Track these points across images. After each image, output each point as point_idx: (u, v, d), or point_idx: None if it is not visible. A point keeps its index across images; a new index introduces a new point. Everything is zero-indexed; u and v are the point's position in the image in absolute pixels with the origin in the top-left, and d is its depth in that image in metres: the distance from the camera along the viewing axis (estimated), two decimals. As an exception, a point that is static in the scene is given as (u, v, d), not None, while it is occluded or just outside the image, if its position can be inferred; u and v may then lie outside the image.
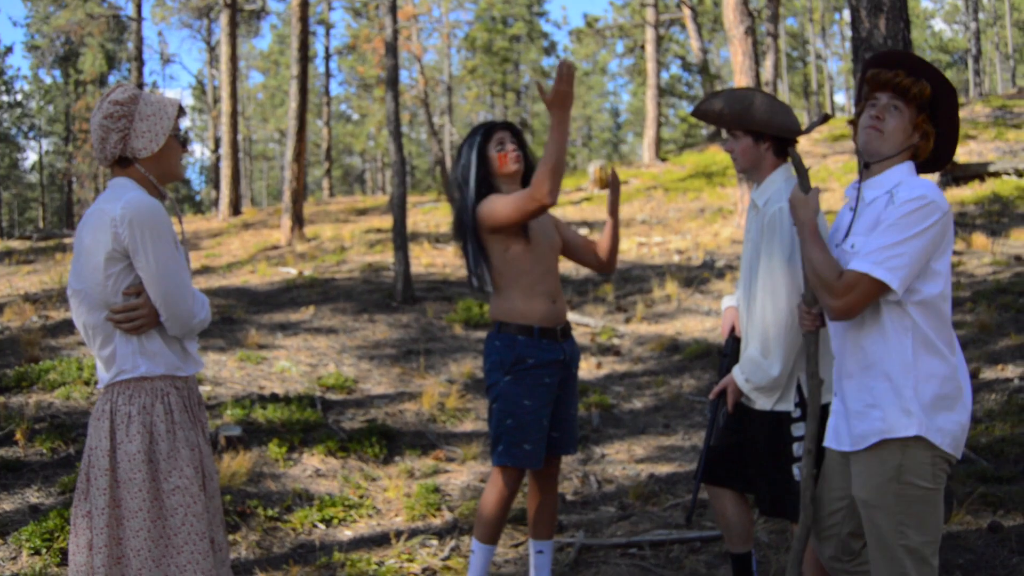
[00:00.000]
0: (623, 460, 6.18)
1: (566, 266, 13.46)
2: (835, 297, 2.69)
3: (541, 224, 3.89)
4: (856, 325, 2.78)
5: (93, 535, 2.69)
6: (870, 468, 2.72)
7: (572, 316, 10.24)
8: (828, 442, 2.92)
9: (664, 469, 5.94)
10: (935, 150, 2.85)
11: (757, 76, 15.13)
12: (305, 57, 18.06)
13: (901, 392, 2.67)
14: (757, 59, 15.32)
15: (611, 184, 3.95)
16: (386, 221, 19.50)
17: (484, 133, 3.90)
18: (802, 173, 3.03)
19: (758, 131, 3.45)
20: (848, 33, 55.15)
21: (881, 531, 2.70)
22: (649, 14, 28.43)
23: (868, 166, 2.85)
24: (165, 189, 2.91)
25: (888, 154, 2.78)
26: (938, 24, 59.58)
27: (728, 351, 3.65)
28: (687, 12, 29.24)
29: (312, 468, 5.85)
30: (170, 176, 2.88)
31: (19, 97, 57.22)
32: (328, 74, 44.09)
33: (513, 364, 3.82)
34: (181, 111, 2.86)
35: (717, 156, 25.55)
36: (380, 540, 4.81)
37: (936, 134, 2.82)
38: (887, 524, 2.68)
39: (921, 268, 2.65)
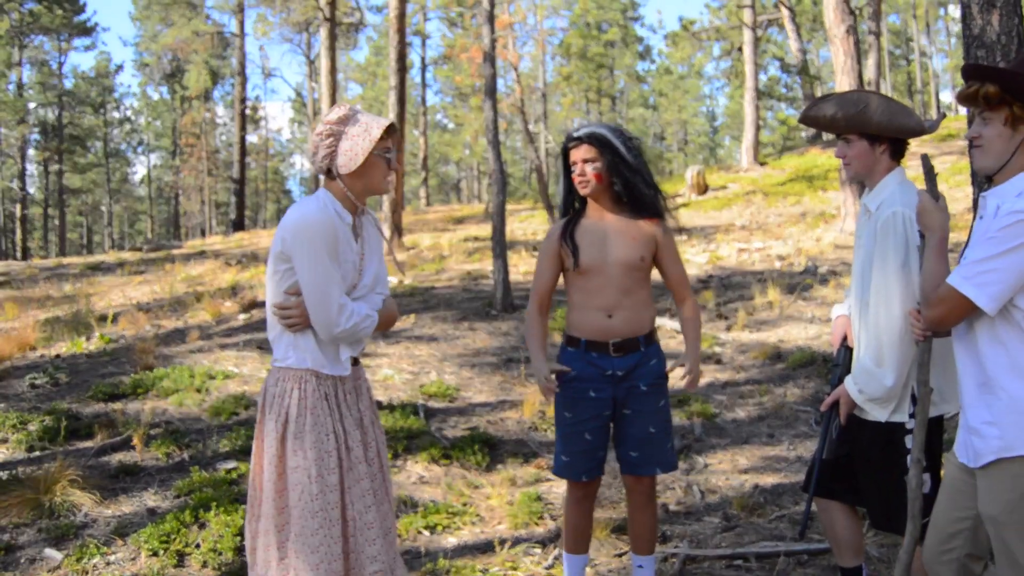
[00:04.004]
0: (727, 470, 6.08)
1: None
2: (929, 308, 2.72)
3: (602, 237, 3.75)
4: (973, 338, 2.69)
5: (250, 491, 3.12)
6: (1001, 484, 2.60)
7: (672, 324, 10.14)
8: (958, 455, 2.81)
9: (769, 480, 5.83)
10: None
11: (860, 76, 14.75)
12: (403, 68, 18.34)
13: (1023, 407, 2.57)
14: (859, 58, 14.93)
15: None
16: (483, 229, 19.63)
17: (564, 153, 3.82)
18: (931, 180, 2.95)
19: (875, 134, 3.36)
20: (954, 28, 53.26)
21: (1011, 550, 2.58)
22: (746, 15, 28.01)
23: (991, 179, 2.74)
24: (363, 204, 3.15)
25: (994, 164, 2.68)
26: (1053, 17, 56.88)
27: (839, 361, 3.54)
28: (785, 12, 28.72)
29: (416, 475, 5.92)
30: (373, 191, 3.13)
31: (128, 113, 59.62)
32: (424, 84, 44.75)
33: (559, 376, 3.81)
34: (390, 131, 3.07)
35: (818, 159, 25.00)
36: (484, 548, 4.82)
37: None
38: (1018, 542, 2.56)
39: (1021, 284, 2.54)
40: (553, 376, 3.72)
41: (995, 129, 2.66)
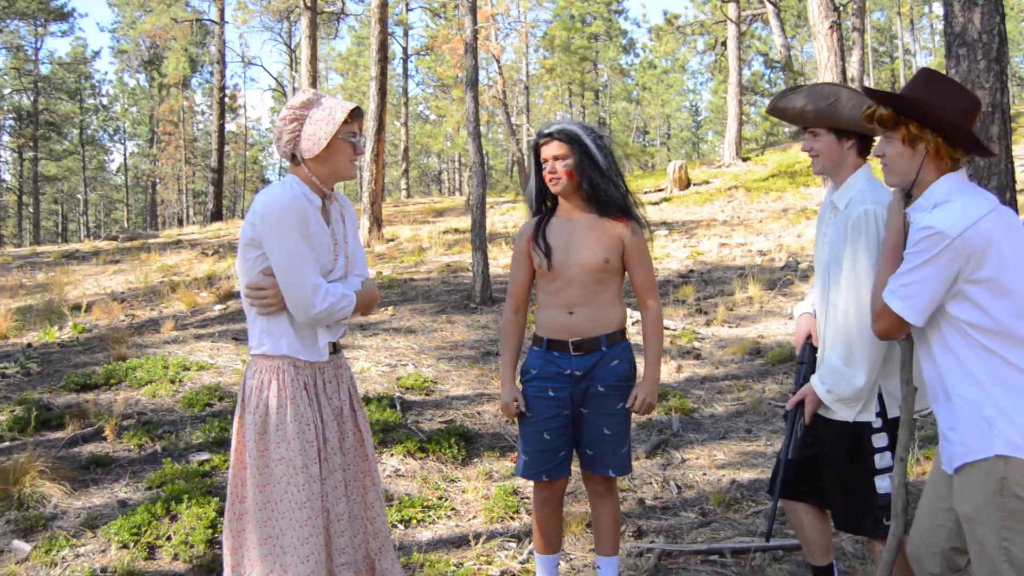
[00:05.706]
0: (704, 465, 6.07)
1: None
2: (873, 320, 2.84)
3: (567, 238, 3.70)
4: (929, 349, 2.77)
5: (232, 488, 3.07)
6: (973, 482, 2.65)
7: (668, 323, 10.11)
8: (942, 462, 2.84)
9: (746, 475, 5.83)
10: (952, 144, 2.75)
11: (843, 72, 14.76)
12: (384, 58, 18.24)
13: (980, 412, 2.63)
14: (843, 55, 14.95)
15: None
16: (464, 222, 19.58)
17: (534, 150, 3.76)
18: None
19: (843, 129, 3.32)
20: (938, 26, 53.65)
21: (984, 546, 2.63)
22: (731, 10, 28.03)
23: (910, 195, 2.83)
24: (329, 189, 3.13)
25: (901, 181, 2.82)
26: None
27: (804, 359, 3.50)
28: (770, 7, 28.72)
29: (392, 468, 5.88)
30: (338, 175, 3.11)
31: (105, 100, 59.11)
32: (406, 75, 44.52)
33: (522, 374, 3.81)
34: (355, 114, 3.05)
35: (800, 155, 25.07)
36: (459, 541, 4.80)
37: (940, 134, 2.73)
38: (990, 539, 2.61)
39: (941, 295, 2.64)
40: (516, 403, 3.73)
41: (895, 148, 2.80)
